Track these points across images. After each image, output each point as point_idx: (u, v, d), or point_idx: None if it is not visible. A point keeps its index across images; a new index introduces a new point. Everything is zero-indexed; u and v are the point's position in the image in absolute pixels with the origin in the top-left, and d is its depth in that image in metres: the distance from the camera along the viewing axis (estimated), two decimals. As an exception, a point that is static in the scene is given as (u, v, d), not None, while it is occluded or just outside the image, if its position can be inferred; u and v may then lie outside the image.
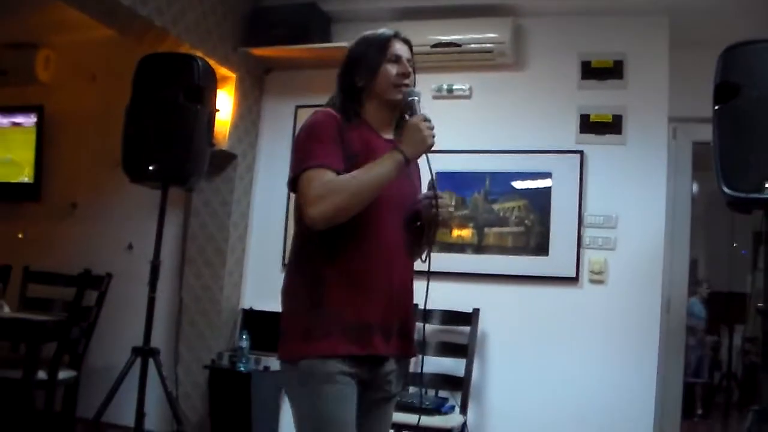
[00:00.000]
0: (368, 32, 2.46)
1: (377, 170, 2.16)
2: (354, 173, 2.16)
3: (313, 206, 2.13)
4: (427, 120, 2.26)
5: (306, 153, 2.21)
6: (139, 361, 4.22)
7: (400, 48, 2.39)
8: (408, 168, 2.28)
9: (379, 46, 2.37)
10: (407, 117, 2.34)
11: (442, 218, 2.30)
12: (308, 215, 2.14)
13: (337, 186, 2.14)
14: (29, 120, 5.92)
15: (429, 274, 2.34)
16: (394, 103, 2.36)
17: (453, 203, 2.36)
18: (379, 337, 2.23)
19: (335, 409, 2.16)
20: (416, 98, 2.33)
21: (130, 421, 4.35)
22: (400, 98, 2.34)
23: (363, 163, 2.18)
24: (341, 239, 2.21)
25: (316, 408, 2.18)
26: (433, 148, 2.32)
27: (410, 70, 2.37)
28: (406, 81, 2.35)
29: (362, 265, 2.23)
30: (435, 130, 2.28)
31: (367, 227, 2.22)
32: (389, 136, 2.38)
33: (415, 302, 2.50)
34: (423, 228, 2.38)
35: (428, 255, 2.42)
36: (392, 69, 2.35)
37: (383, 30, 2.43)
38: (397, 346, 2.31)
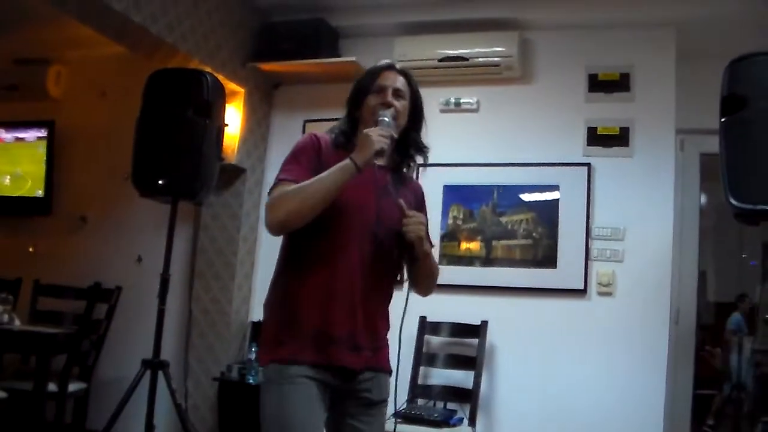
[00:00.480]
0: (374, 65, 2.56)
1: (327, 176, 2.26)
2: (306, 181, 2.28)
3: (269, 213, 2.31)
4: (383, 130, 2.32)
5: (280, 170, 2.41)
6: (148, 373, 4.24)
7: (387, 78, 2.47)
8: (388, 188, 2.39)
9: (370, 78, 2.49)
10: None
11: (408, 238, 2.32)
12: (265, 222, 2.32)
13: (289, 193, 2.28)
14: (40, 134, 5.96)
15: (408, 293, 2.46)
16: None
17: (424, 221, 2.37)
18: (344, 350, 2.30)
19: (296, 409, 2.26)
20: (385, 118, 2.38)
21: (139, 433, 4.38)
22: None
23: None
24: (309, 257, 2.35)
25: (277, 407, 2.29)
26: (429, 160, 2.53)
27: (390, 100, 2.42)
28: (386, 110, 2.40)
29: (327, 281, 2.31)
30: (386, 141, 2.31)
31: (334, 246, 2.33)
32: (381, 162, 2.41)
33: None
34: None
35: (410, 270, 2.51)
36: (374, 100, 2.44)
37: (382, 62, 2.55)
38: (366, 360, 2.36)
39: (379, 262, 2.39)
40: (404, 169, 2.56)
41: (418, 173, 4.57)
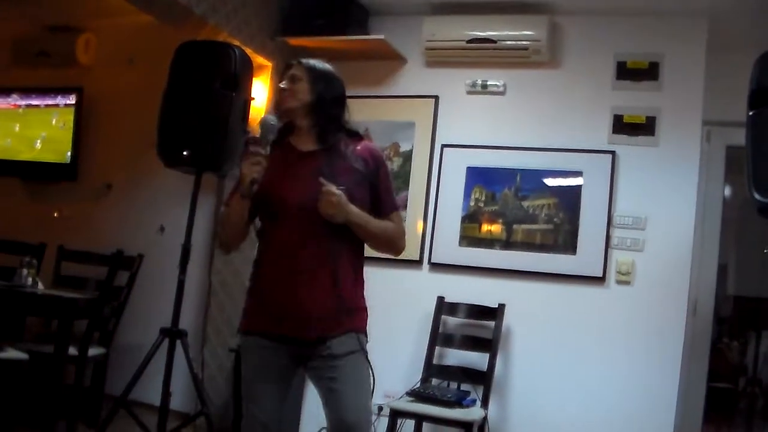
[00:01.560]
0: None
1: (225, 213, 2.89)
2: (222, 213, 2.99)
3: None
4: (250, 157, 2.64)
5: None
6: (166, 341, 4.30)
7: (290, 69, 2.78)
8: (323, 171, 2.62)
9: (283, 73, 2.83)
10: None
11: (321, 213, 2.55)
12: None
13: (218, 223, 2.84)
14: (69, 101, 6.01)
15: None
16: (284, 111, 2.77)
17: (335, 195, 2.54)
18: (291, 322, 2.61)
19: (250, 370, 2.71)
20: (268, 121, 2.71)
21: (155, 399, 4.42)
22: (284, 106, 2.76)
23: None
24: (261, 246, 2.77)
25: (243, 369, 2.76)
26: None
27: (283, 85, 2.75)
28: (283, 93, 2.75)
29: (270, 260, 2.69)
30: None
31: (273, 229, 2.70)
32: (311, 147, 2.74)
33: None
34: None
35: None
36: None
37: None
38: (319, 329, 2.61)
39: (316, 237, 2.60)
40: (335, 143, 2.73)
41: (441, 158, 4.60)
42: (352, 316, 2.69)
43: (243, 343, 2.78)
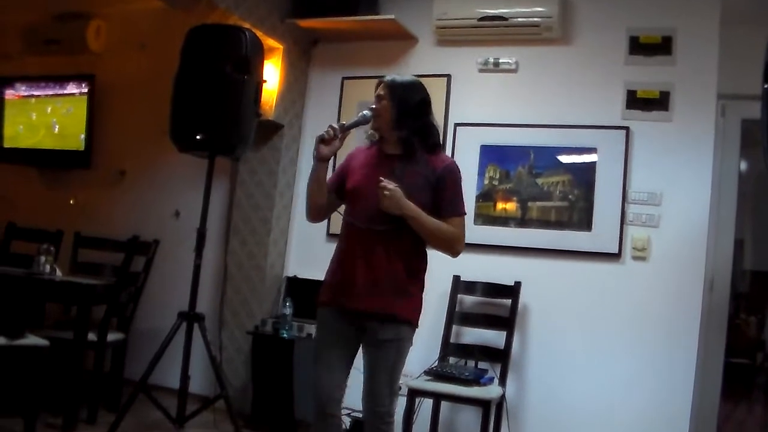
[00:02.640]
0: None
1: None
2: None
3: None
4: (328, 127, 3.08)
5: None
6: (184, 325, 4.33)
7: (376, 90, 3.16)
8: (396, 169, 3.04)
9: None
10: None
11: (379, 201, 2.94)
12: None
13: None
14: (81, 88, 6.03)
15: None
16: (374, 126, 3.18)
17: (394, 191, 2.92)
18: (350, 296, 3.01)
19: (319, 336, 3.18)
20: (365, 112, 3.15)
21: (175, 383, 4.48)
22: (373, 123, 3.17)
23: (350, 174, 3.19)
24: (341, 229, 3.18)
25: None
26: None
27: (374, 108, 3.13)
28: (375, 122, 3.14)
29: (340, 245, 3.13)
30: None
31: (349, 219, 3.11)
32: (394, 151, 3.13)
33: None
34: None
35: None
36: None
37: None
38: (367, 304, 2.98)
39: (385, 227, 2.97)
40: (417, 152, 3.08)
41: (455, 137, 4.62)
42: (402, 301, 3.03)
43: (318, 312, 3.18)
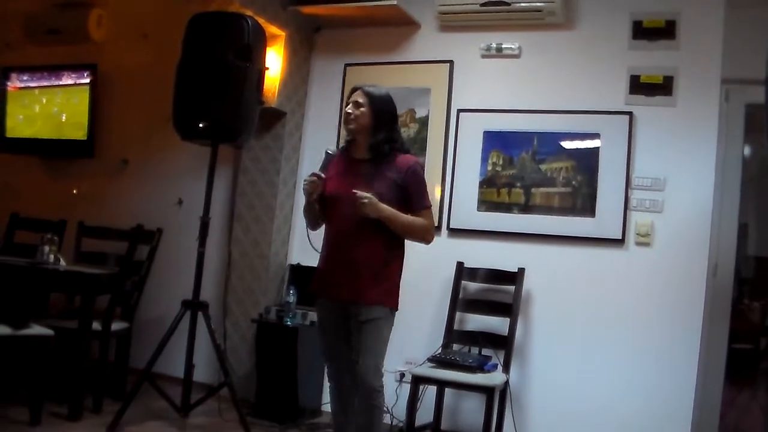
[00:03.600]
0: None
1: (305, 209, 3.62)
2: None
3: None
4: (311, 176, 3.46)
5: None
6: (188, 314, 4.34)
7: (352, 96, 3.51)
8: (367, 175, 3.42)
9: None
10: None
11: (356, 210, 3.30)
12: None
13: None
14: (83, 78, 6.02)
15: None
16: (347, 130, 3.54)
17: (367, 197, 3.28)
18: (333, 287, 3.43)
19: (320, 328, 3.61)
20: (328, 150, 3.52)
21: (179, 372, 4.49)
22: (347, 127, 3.52)
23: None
24: (325, 225, 3.55)
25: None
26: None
27: (347, 109, 3.48)
28: (347, 116, 3.48)
29: (325, 240, 3.53)
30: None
31: (330, 216, 3.49)
32: (362, 156, 3.50)
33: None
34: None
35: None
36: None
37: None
38: (347, 293, 3.38)
39: (359, 227, 3.35)
40: (383, 157, 3.44)
41: (458, 123, 4.62)
42: (378, 286, 3.38)
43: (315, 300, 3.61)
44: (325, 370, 3.69)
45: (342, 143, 3.62)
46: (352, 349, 3.44)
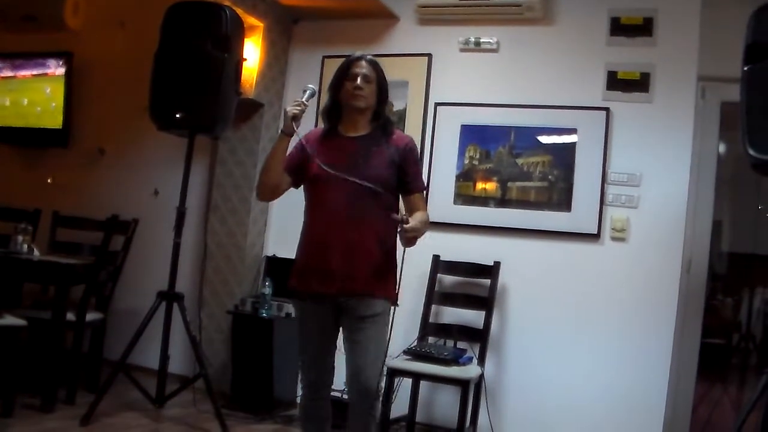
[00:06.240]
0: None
1: (271, 149, 3.12)
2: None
3: None
4: (296, 102, 3.02)
5: None
6: (163, 305, 4.33)
7: (358, 67, 3.11)
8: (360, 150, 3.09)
9: (347, 67, 3.14)
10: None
11: (404, 243, 2.93)
12: None
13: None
14: (59, 66, 5.96)
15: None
16: (354, 107, 3.10)
17: (419, 227, 2.92)
18: (321, 280, 3.01)
19: (300, 323, 3.17)
20: (308, 87, 3.15)
21: (154, 363, 4.49)
22: (356, 104, 3.09)
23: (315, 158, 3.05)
24: (306, 210, 3.13)
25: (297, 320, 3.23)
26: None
27: (359, 84, 3.07)
28: (358, 92, 3.07)
29: (310, 227, 3.10)
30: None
31: (317, 199, 3.07)
32: (355, 134, 3.14)
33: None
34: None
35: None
36: (349, 85, 3.09)
37: (356, 53, 3.19)
38: (340, 286, 3.00)
39: (358, 209, 3.00)
40: (380, 133, 3.15)
41: (435, 117, 4.62)
42: (380, 279, 3.06)
43: (293, 298, 3.20)
44: (299, 367, 3.26)
45: (322, 127, 3.26)
46: (333, 351, 3.16)
